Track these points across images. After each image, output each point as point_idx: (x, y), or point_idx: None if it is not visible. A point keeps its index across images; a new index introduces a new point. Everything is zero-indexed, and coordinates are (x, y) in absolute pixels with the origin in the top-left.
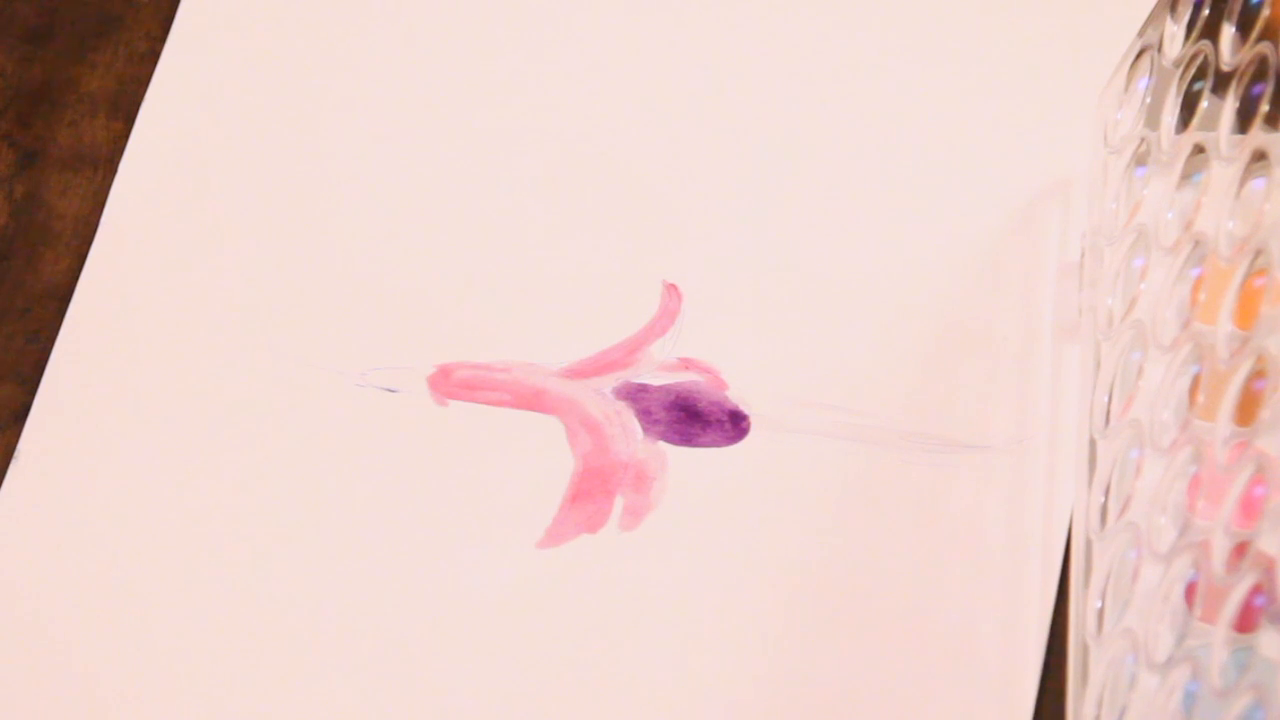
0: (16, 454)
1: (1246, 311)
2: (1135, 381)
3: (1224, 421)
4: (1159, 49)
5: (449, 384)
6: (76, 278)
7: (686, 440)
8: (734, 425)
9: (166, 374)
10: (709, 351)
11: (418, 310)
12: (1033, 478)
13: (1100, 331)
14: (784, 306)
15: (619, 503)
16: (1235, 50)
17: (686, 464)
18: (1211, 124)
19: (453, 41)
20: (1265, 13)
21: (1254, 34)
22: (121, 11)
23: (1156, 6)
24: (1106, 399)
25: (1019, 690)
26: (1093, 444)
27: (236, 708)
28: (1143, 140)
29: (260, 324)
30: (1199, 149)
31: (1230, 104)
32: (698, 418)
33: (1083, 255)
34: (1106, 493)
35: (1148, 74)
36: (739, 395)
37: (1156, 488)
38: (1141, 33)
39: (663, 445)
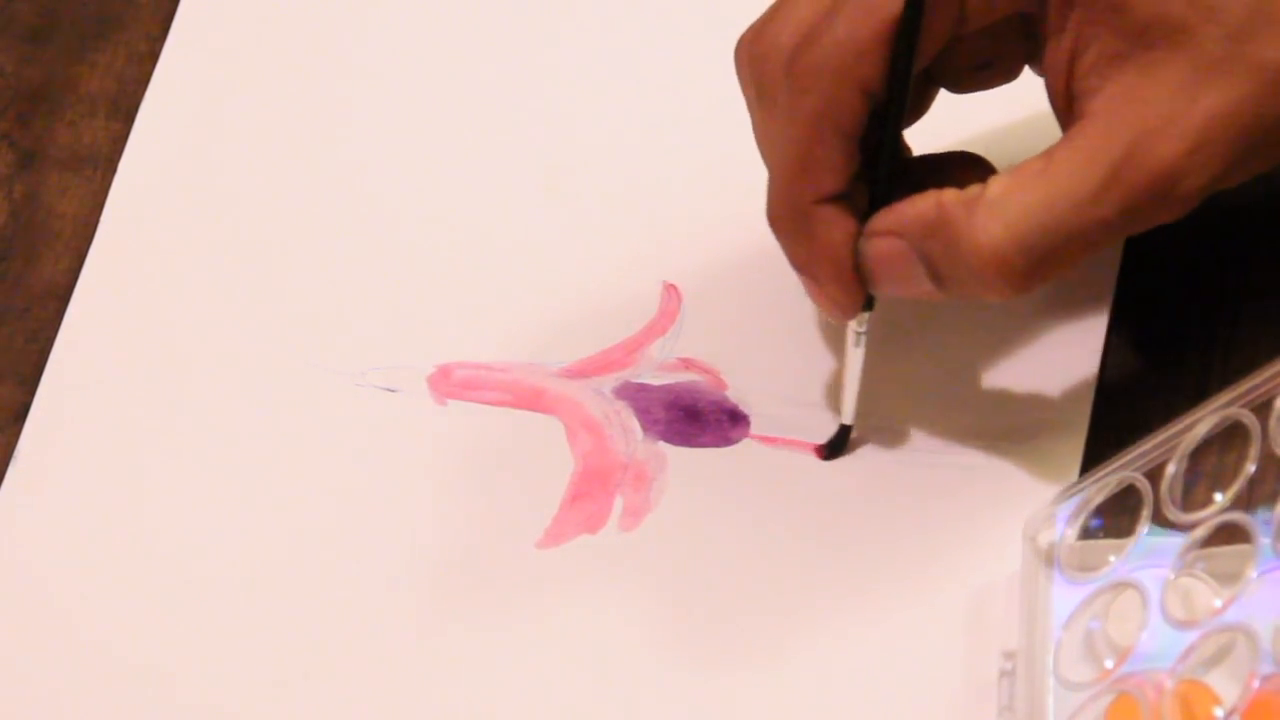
0: (16, 454)
1: None
2: None
3: None
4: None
5: (449, 384)
6: (76, 278)
7: (686, 440)
8: (734, 425)
9: (166, 374)
10: (709, 351)
11: (418, 310)
12: (1032, 478)
13: None
14: (784, 306)
15: (619, 503)
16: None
17: (686, 464)
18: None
19: (452, 42)
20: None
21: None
22: (121, 11)
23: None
24: None
25: None
26: None
27: (236, 707)
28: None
29: (260, 324)
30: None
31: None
32: (697, 418)
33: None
34: None
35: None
36: (739, 395)
37: None
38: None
39: (662, 445)
